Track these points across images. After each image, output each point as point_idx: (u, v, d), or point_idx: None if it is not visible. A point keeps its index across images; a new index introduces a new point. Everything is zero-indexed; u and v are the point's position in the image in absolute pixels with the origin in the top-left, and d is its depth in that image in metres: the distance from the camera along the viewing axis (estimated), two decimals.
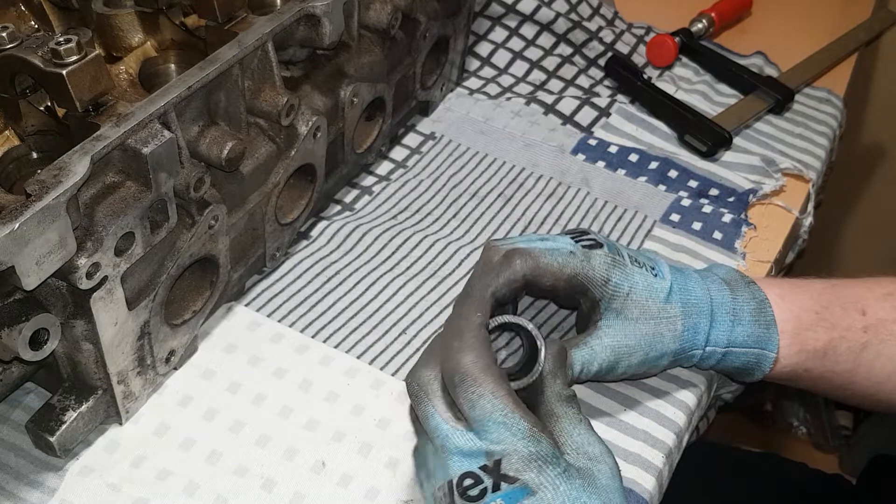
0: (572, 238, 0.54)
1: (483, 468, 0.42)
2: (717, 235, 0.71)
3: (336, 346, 0.60)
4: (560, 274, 0.52)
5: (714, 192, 0.76)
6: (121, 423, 0.54)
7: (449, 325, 0.48)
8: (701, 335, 0.54)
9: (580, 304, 0.55)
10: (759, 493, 0.83)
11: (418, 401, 0.46)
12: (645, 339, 0.53)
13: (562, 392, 0.46)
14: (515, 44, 0.92)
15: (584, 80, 0.89)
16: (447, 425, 0.44)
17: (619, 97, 0.87)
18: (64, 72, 0.44)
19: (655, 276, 0.54)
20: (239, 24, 0.56)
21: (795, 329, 0.55)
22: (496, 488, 0.42)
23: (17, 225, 0.39)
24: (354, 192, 0.73)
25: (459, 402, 0.44)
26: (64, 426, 0.50)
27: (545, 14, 0.93)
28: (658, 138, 0.82)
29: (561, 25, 0.93)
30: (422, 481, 0.46)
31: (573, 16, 0.95)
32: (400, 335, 0.62)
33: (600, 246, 0.53)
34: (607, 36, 0.94)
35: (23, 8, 0.62)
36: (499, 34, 0.92)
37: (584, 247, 0.53)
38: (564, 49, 0.92)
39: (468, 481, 0.42)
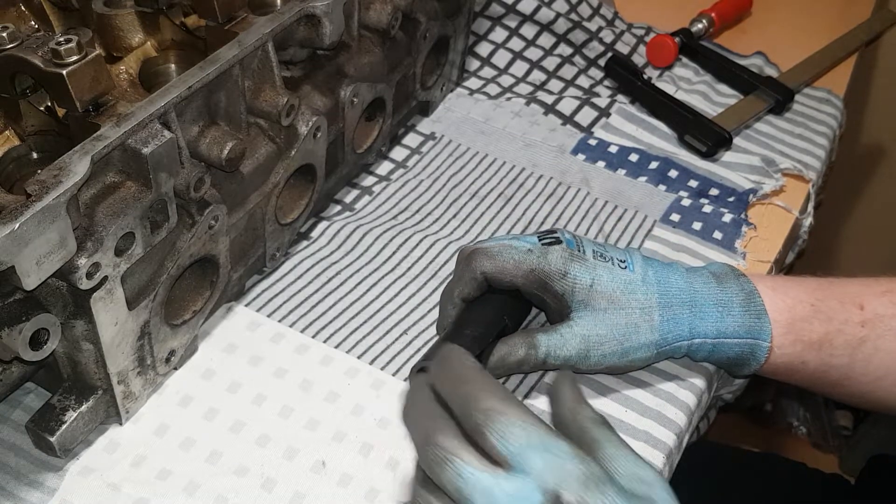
0: (539, 238, 0.56)
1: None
2: (718, 235, 0.71)
3: (336, 347, 0.60)
4: (517, 270, 0.55)
5: (714, 191, 0.76)
6: (121, 423, 0.54)
7: (443, 371, 0.41)
8: (683, 326, 0.55)
9: (546, 301, 0.56)
10: (758, 493, 0.83)
11: (442, 466, 0.38)
12: (617, 330, 0.54)
13: (595, 417, 0.40)
14: (515, 44, 0.92)
15: (584, 81, 0.89)
16: (488, 476, 0.36)
17: (619, 97, 0.87)
18: (64, 72, 0.44)
19: (624, 269, 0.55)
20: (239, 24, 0.56)
21: (790, 320, 0.55)
22: None
23: (17, 225, 0.39)
24: (354, 192, 0.73)
25: (490, 443, 0.38)
26: (64, 426, 0.50)
27: (545, 14, 0.93)
28: (658, 138, 0.82)
29: (561, 26, 0.93)
30: None
31: (573, 16, 0.95)
32: (401, 335, 0.61)
33: (559, 243, 0.56)
34: (607, 36, 0.94)
35: (23, 8, 0.62)
36: (499, 34, 0.92)
37: (544, 244, 0.55)
38: (564, 49, 0.92)
39: None
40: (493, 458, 0.37)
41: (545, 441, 0.37)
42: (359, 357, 0.60)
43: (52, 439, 0.50)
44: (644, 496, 0.37)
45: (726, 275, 0.57)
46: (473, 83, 0.87)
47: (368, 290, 0.65)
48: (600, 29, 0.94)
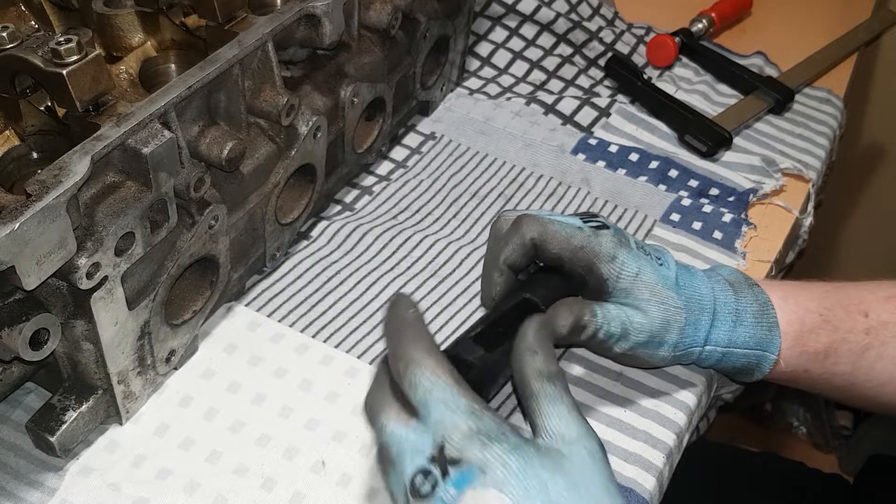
0: (581, 218, 0.55)
1: (430, 458, 0.39)
2: (718, 235, 0.71)
3: (336, 346, 0.60)
4: (567, 244, 0.53)
5: (714, 191, 0.76)
6: (121, 423, 0.54)
7: (385, 321, 0.44)
8: (701, 332, 0.55)
9: (587, 281, 0.55)
10: (758, 493, 0.83)
11: (373, 420, 0.42)
12: (654, 323, 0.54)
13: (543, 368, 0.41)
14: (515, 44, 0.92)
15: (584, 80, 0.89)
16: (399, 427, 0.40)
17: (619, 97, 0.87)
18: (64, 72, 0.44)
19: (661, 265, 0.55)
20: (239, 24, 0.56)
21: (798, 332, 0.55)
22: (444, 474, 0.38)
23: (17, 225, 0.39)
24: (354, 192, 0.73)
25: (405, 390, 0.41)
26: (64, 426, 0.50)
27: (545, 14, 0.93)
28: (658, 138, 0.82)
29: (561, 25, 0.93)
30: None
31: (573, 16, 0.95)
32: None
33: (607, 228, 0.55)
34: (607, 36, 0.94)
35: (23, 8, 0.62)
36: (499, 34, 0.92)
37: (591, 227, 0.54)
38: (564, 49, 0.92)
39: (419, 479, 0.39)
40: (411, 406, 0.40)
41: (446, 394, 0.39)
42: (359, 357, 0.60)
43: (52, 439, 0.50)
44: (553, 451, 0.39)
45: (740, 283, 0.57)
46: (473, 83, 0.87)
47: (368, 289, 0.65)
48: (600, 29, 0.94)
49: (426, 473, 0.39)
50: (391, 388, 0.42)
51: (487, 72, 0.89)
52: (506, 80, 0.88)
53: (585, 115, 0.84)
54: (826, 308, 0.56)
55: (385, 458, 0.42)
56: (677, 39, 0.91)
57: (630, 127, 0.83)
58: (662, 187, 0.76)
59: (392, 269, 0.66)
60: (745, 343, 0.55)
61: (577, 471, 0.38)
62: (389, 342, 0.43)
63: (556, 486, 0.37)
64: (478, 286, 0.65)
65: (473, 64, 0.90)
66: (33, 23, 0.62)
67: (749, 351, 0.55)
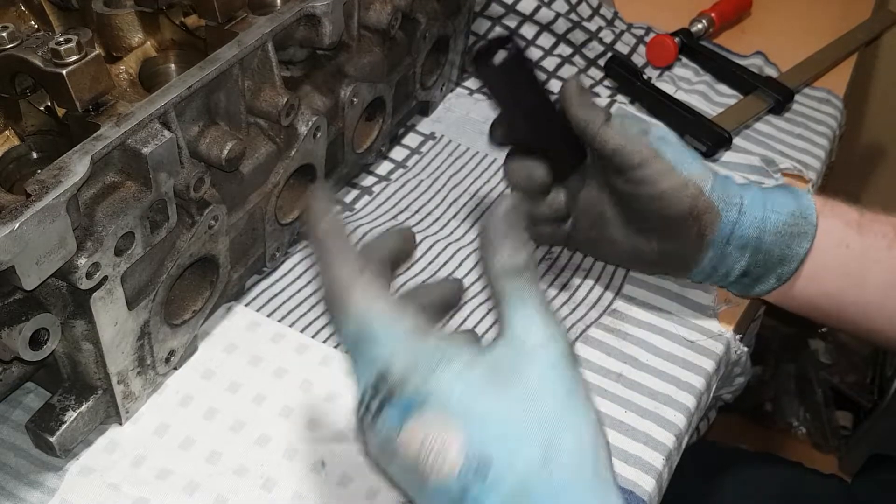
0: None
1: (374, 387, 0.36)
2: None
3: (336, 347, 0.60)
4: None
5: None
6: (121, 423, 0.54)
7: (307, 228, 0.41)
8: (733, 186, 0.56)
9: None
10: (757, 493, 0.83)
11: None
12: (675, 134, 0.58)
13: (506, 263, 0.36)
14: None
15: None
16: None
17: (619, 97, 0.87)
18: (64, 72, 0.44)
19: None
20: (239, 24, 0.56)
21: (825, 202, 0.58)
22: (385, 404, 0.35)
23: (17, 225, 0.39)
24: (354, 192, 0.73)
25: (339, 320, 0.37)
26: (64, 426, 0.50)
27: (545, 14, 0.93)
28: None
29: (561, 26, 0.93)
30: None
31: (573, 16, 0.95)
32: None
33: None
34: (607, 36, 0.94)
35: (23, 8, 0.62)
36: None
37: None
38: (564, 49, 0.92)
39: (366, 414, 0.36)
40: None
41: (385, 318, 0.36)
42: None
43: (52, 439, 0.50)
44: (508, 367, 0.35)
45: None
46: (473, 83, 0.87)
47: None
48: (600, 29, 0.94)
49: (367, 407, 0.36)
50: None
51: None
52: None
53: None
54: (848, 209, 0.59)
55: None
56: (677, 39, 0.91)
57: None
58: None
59: None
60: (783, 204, 0.56)
61: (532, 383, 0.34)
62: (317, 261, 0.39)
63: (504, 405, 0.34)
64: (478, 287, 0.65)
65: None
66: (33, 23, 0.62)
67: (789, 213, 0.56)
